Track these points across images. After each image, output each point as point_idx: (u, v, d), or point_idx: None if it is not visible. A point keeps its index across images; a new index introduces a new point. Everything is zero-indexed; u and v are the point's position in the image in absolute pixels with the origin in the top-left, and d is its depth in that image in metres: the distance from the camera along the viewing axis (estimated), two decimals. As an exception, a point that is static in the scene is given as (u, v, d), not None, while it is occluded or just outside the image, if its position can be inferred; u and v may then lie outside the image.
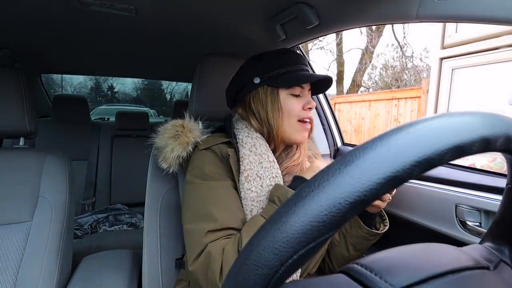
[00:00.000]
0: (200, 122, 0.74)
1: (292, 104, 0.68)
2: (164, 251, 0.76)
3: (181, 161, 0.70)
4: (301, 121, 0.69)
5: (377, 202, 0.68)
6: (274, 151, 0.70)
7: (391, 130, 0.21)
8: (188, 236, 0.61)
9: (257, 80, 0.68)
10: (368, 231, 0.71)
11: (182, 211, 0.65)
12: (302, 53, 1.27)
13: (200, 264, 0.56)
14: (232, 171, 0.64)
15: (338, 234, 0.77)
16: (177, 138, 0.70)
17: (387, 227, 0.74)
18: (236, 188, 0.64)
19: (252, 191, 0.62)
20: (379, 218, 0.76)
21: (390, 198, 0.70)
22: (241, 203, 0.63)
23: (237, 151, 0.66)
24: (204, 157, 0.66)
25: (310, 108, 0.69)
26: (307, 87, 0.71)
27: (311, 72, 0.71)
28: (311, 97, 0.72)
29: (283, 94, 0.68)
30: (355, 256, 0.75)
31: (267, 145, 0.68)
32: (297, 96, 0.69)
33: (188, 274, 0.64)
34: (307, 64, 0.72)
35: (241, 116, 0.73)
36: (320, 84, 0.73)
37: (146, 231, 0.77)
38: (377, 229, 0.74)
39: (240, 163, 0.64)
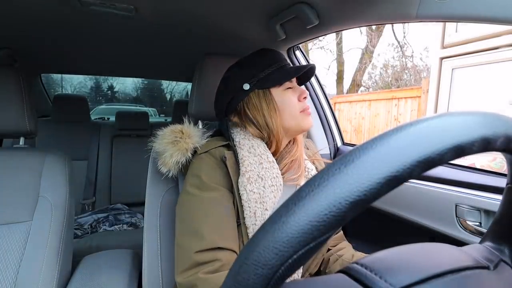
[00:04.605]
0: (200, 125, 0.73)
1: (289, 98, 0.69)
2: (164, 251, 0.76)
3: (180, 166, 0.70)
4: (302, 111, 0.69)
5: None
6: (274, 153, 0.70)
7: (391, 129, 0.21)
8: (177, 248, 0.61)
9: (246, 87, 0.68)
10: None
11: (176, 219, 0.65)
12: (302, 52, 1.27)
13: (186, 284, 0.56)
14: (229, 176, 0.64)
15: None
16: (176, 144, 0.69)
17: None
18: (232, 197, 0.64)
19: (254, 192, 0.62)
20: None
21: None
22: (243, 206, 0.62)
23: (235, 153, 0.66)
24: (202, 163, 0.66)
25: (305, 98, 0.70)
26: (294, 80, 0.72)
27: (291, 65, 0.72)
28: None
29: (277, 92, 0.68)
30: None
31: (265, 145, 0.68)
32: (289, 89, 0.70)
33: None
34: (286, 59, 0.73)
35: (237, 124, 0.72)
36: (305, 74, 0.73)
37: (146, 231, 0.77)
38: None
39: (240, 165, 0.63)
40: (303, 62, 1.27)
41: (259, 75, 0.68)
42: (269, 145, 0.69)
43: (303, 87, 0.74)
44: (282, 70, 0.69)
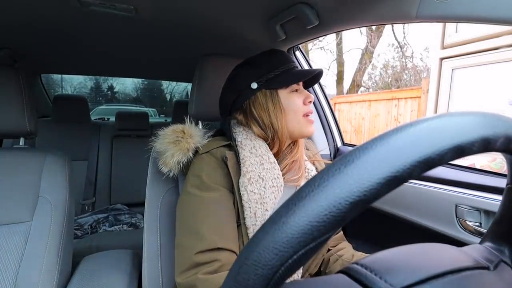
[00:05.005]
0: (200, 125, 0.73)
1: (295, 101, 0.69)
2: (164, 251, 0.76)
3: (181, 166, 0.70)
4: (305, 115, 0.70)
5: None
6: (276, 154, 0.70)
7: (391, 130, 0.21)
8: (178, 248, 0.61)
9: (254, 86, 0.68)
10: None
11: (176, 219, 0.65)
12: (303, 53, 1.27)
13: (186, 284, 0.57)
14: (230, 176, 0.64)
15: None
16: (177, 144, 0.69)
17: None
18: (232, 198, 0.64)
19: (255, 193, 0.62)
20: None
21: None
22: (244, 207, 0.62)
23: (237, 154, 0.66)
24: (203, 162, 0.66)
25: (310, 102, 0.70)
26: (301, 83, 0.72)
27: (300, 68, 0.72)
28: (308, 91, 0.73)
29: (283, 94, 0.69)
30: None
31: (267, 146, 0.68)
32: (295, 92, 0.70)
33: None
34: (294, 61, 0.74)
35: (241, 122, 0.72)
36: (311, 78, 0.74)
37: (146, 231, 0.77)
38: None
39: (241, 165, 0.63)
40: (304, 63, 1.27)
41: (267, 75, 0.68)
42: (271, 146, 0.69)
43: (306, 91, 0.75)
44: (290, 72, 0.69)
